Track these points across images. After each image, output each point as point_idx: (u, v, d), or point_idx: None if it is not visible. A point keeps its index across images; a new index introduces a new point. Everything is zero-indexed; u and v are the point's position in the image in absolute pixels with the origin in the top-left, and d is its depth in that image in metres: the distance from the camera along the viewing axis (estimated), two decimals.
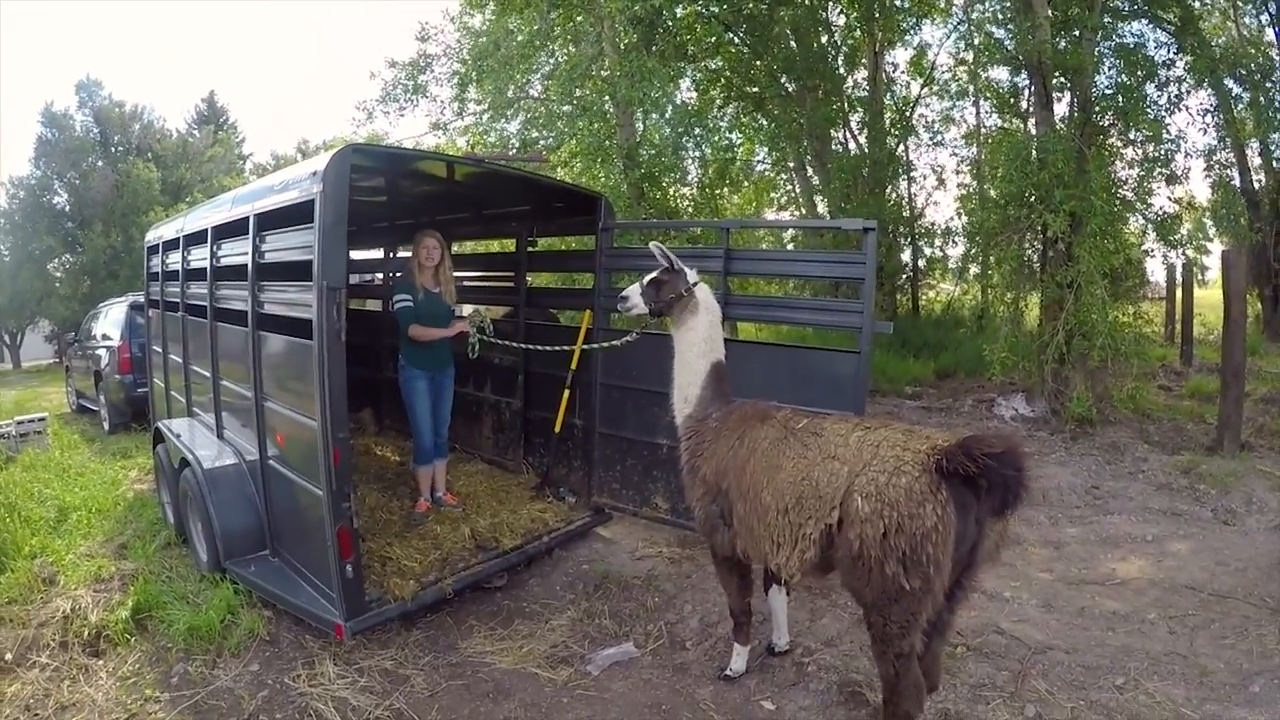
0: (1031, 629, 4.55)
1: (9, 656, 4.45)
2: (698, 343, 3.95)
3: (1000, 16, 12.65)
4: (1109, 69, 10.28)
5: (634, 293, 4.09)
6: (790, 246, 16.38)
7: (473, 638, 4.68)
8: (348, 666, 4.29)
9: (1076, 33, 10.05)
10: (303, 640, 4.58)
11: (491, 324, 6.02)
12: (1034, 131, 10.79)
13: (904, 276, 16.77)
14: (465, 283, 7.90)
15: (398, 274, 6.85)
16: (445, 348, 5.90)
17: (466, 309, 6.45)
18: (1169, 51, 10.41)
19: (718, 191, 15.68)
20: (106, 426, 11.32)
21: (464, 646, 4.57)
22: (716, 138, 15.37)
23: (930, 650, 3.26)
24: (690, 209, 14.18)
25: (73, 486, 7.63)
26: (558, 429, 6.41)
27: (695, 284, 3.99)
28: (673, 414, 4.11)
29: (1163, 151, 9.90)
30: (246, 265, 4.90)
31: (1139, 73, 9.75)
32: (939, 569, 2.87)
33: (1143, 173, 9.87)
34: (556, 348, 5.97)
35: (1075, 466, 7.68)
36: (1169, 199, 10.12)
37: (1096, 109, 9.83)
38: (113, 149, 29.59)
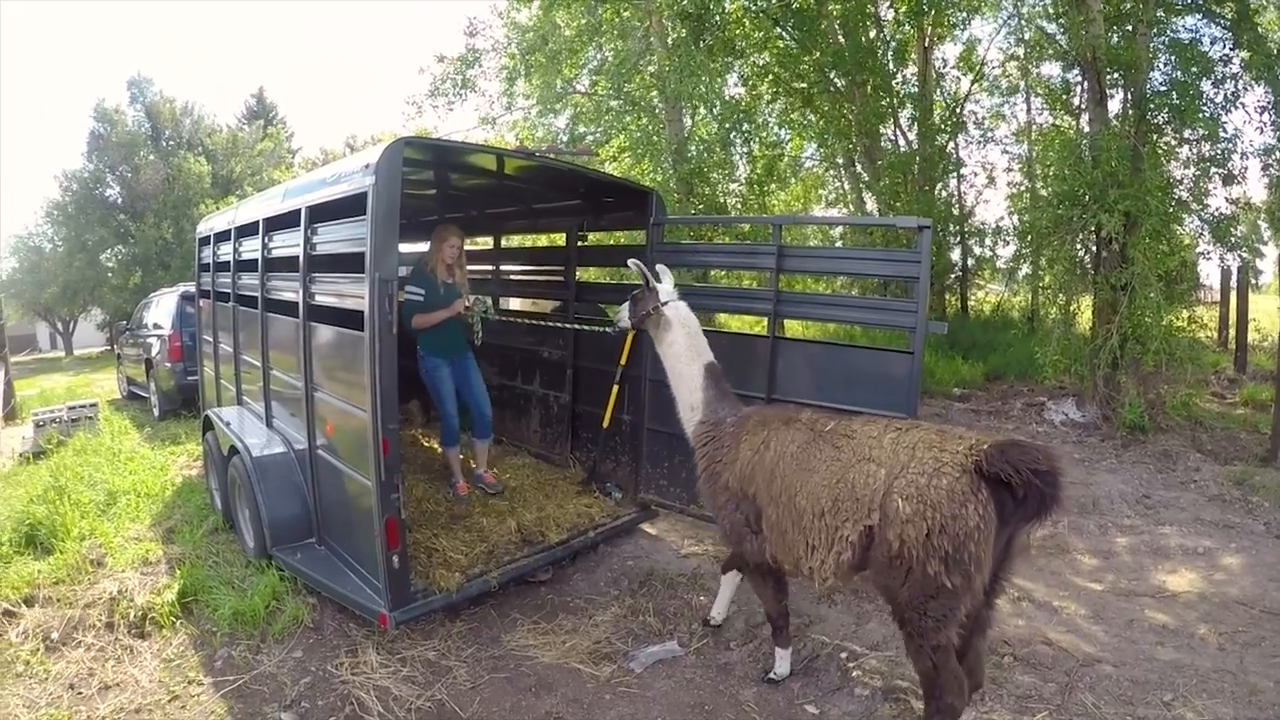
0: (1079, 640, 4.46)
1: (55, 635, 4.57)
2: (680, 352, 4.21)
3: (1052, 11, 12.41)
4: (1163, 65, 9.97)
5: (625, 309, 4.52)
6: (839, 244, 16.23)
7: (516, 631, 4.68)
8: (390, 656, 4.32)
9: (1130, 27, 9.82)
10: (346, 628, 4.63)
11: (494, 309, 6.27)
12: (1087, 129, 10.56)
13: (953, 276, 16.53)
14: (513, 276, 7.93)
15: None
16: (459, 333, 6.03)
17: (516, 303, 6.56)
18: (1224, 47, 10.07)
19: (766, 188, 15.56)
20: (156, 413, 11.57)
21: (507, 640, 4.58)
22: (765, 133, 15.33)
23: (972, 647, 3.27)
24: (738, 206, 14.11)
25: (122, 471, 7.82)
26: (606, 424, 6.38)
27: (666, 302, 4.22)
28: (683, 427, 4.25)
29: (1219, 150, 9.61)
30: (298, 257, 4.94)
31: (1194, 69, 9.45)
32: (980, 567, 2.91)
33: (1198, 172, 9.60)
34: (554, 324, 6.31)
35: (1126, 474, 7.51)
36: (1225, 199, 9.83)
37: (1151, 106, 9.55)
38: (164, 143, 30.22)
